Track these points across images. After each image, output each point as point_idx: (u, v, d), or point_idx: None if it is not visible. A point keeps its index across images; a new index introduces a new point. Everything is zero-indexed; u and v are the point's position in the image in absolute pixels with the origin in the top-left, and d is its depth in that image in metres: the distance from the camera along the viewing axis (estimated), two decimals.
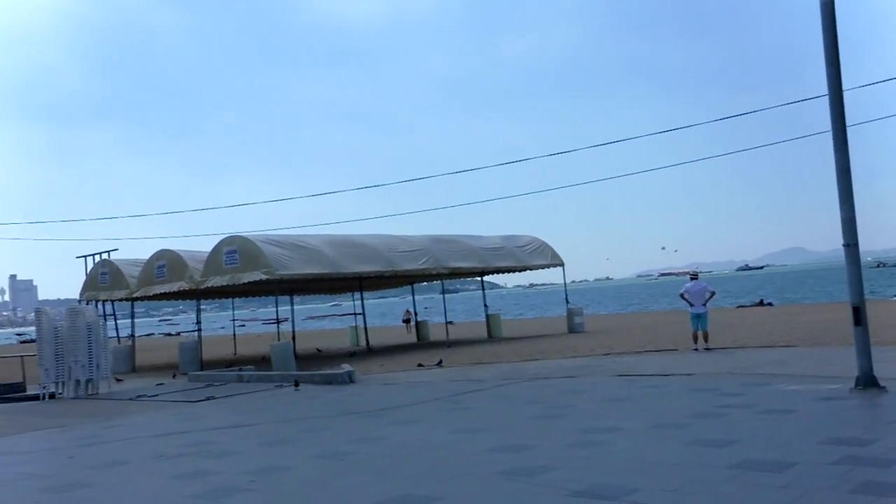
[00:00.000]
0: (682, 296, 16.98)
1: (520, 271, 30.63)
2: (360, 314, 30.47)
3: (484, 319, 30.00)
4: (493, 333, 28.48)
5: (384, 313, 71.27)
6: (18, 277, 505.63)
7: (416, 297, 34.00)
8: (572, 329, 27.24)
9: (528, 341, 24.26)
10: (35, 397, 16.80)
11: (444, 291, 29.47)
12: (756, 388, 10.44)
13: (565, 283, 30.00)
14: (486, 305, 29.91)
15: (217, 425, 10.92)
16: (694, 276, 17.40)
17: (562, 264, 29.73)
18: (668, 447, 7.12)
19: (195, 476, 7.35)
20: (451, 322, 30.20)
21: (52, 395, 16.73)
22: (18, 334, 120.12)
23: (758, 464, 6.13)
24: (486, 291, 31.53)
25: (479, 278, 31.51)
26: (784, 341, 17.09)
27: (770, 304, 45.39)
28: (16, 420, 13.52)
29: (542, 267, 29.90)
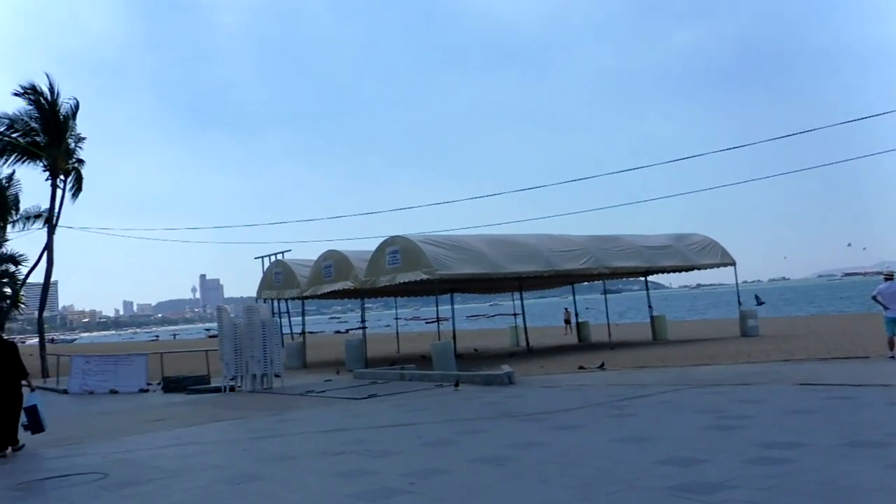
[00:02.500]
0: (875, 298, 15.38)
1: (686, 271, 29.20)
2: (519, 314, 30.30)
3: (648, 320, 28.86)
4: (658, 336, 27.33)
5: (544, 313, 70.74)
6: (207, 277, 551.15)
7: (577, 297, 33.36)
8: (745, 332, 25.58)
9: (696, 345, 23.02)
10: (217, 389, 18.00)
11: (605, 291, 28.67)
12: None
13: (737, 284, 28.25)
14: (650, 306, 28.75)
15: (378, 424, 11.10)
16: (889, 277, 15.69)
17: (733, 263, 28.04)
18: (866, 469, 6.31)
19: (356, 475, 7.43)
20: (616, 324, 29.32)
21: (231, 388, 17.85)
22: (207, 329, 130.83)
23: None
24: (650, 291, 30.34)
25: (642, 278, 30.39)
26: None
27: None
28: (200, 411, 14.51)
29: (711, 266, 28.35)
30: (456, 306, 32.28)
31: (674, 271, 29.10)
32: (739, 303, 27.27)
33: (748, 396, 11.22)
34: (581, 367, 17.73)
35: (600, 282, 29.36)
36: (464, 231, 27.49)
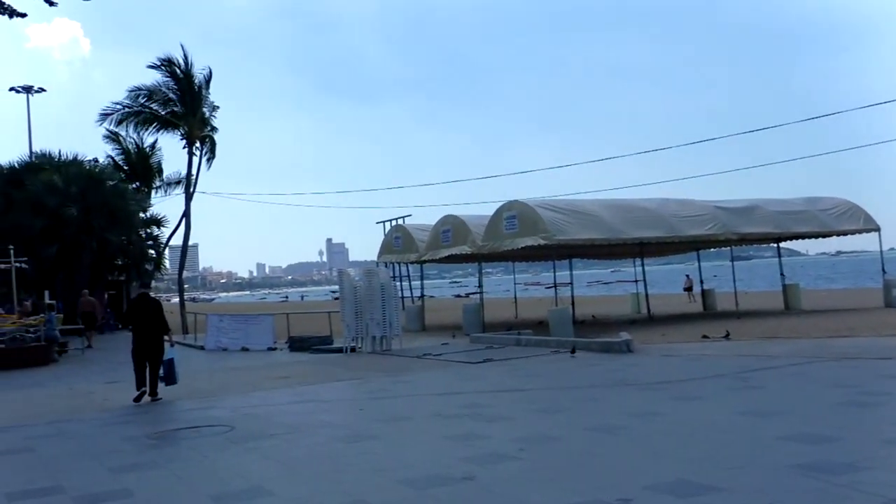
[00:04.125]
0: None
1: (823, 237, 27.41)
2: (640, 281, 29.50)
3: (780, 289, 27.39)
4: (790, 305, 25.88)
5: (669, 280, 68.53)
6: (333, 241, 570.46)
7: (704, 264, 32.13)
8: (890, 303, 23.76)
9: (833, 315, 21.63)
10: (339, 350, 18.60)
11: (733, 258, 27.37)
12: None
13: (881, 251, 26.26)
14: (782, 274, 27.23)
15: (492, 388, 11.11)
16: None
17: (877, 229, 26.06)
18: None
19: (467, 438, 7.47)
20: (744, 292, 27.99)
21: (352, 349, 18.40)
22: (332, 291, 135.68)
23: None
24: (783, 259, 28.73)
25: (774, 245, 28.83)
26: None
27: None
28: (322, 370, 15.05)
29: (852, 233, 26.46)
30: (577, 272, 31.86)
31: (809, 237, 27.42)
32: (884, 271, 25.36)
33: (890, 371, 10.42)
34: (704, 337, 17.06)
35: (728, 248, 28.10)
36: (583, 195, 26.96)
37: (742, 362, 12.27)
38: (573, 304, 23.38)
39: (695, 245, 28.58)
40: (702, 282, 30.81)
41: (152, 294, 13.52)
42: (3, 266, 25.30)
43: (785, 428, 7.09)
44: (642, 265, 27.78)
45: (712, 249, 31.45)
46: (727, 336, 16.70)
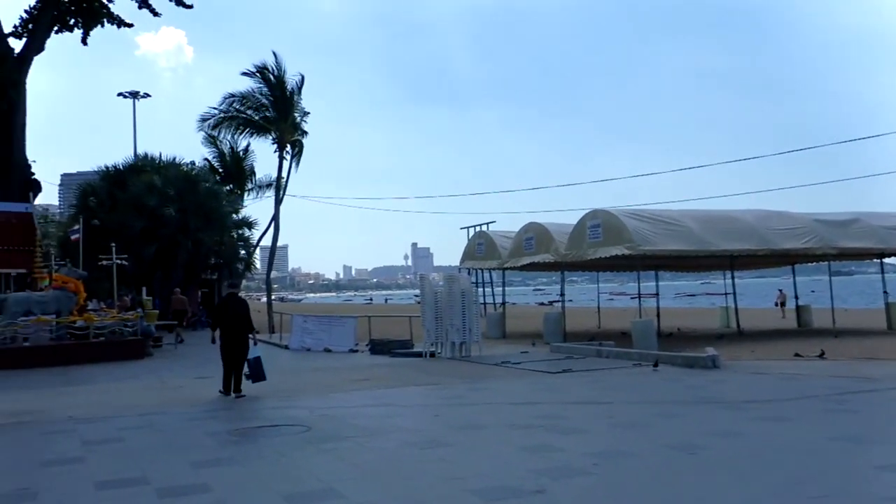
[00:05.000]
0: None
1: None
2: (730, 294, 28.50)
3: (882, 307, 25.92)
4: (893, 325, 24.47)
5: (762, 294, 65.96)
6: (418, 245, 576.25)
7: (801, 279, 30.74)
8: None
9: None
10: (419, 354, 18.70)
11: (831, 273, 26.10)
12: None
13: None
14: (885, 291, 25.78)
15: (570, 399, 10.92)
16: None
17: None
18: None
19: (541, 450, 7.35)
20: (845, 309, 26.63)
21: (432, 354, 18.46)
22: (416, 295, 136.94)
23: None
24: (887, 275, 27.20)
25: (877, 260, 27.34)
26: None
27: None
28: (401, 374, 15.15)
29: None
30: (664, 283, 31.03)
31: None
32: None
33: None
34: (797, 355, 16.30)
35: (827, 263, 26.81)
36: (671, 205, 26.27)
37: (837, 384, 11.65)
38: (658, 315, 22.78)
39: (790, 259, 27.39)
40: (796, 297, 29.50)
41: (241, 294, 13.93)
42: (105, 262, 26.70)
43: (882, 457, 6.69)
44: (732, 278, 26.86)
45: (810, 264, 30.09)
46: (822, 355, 15.92)
